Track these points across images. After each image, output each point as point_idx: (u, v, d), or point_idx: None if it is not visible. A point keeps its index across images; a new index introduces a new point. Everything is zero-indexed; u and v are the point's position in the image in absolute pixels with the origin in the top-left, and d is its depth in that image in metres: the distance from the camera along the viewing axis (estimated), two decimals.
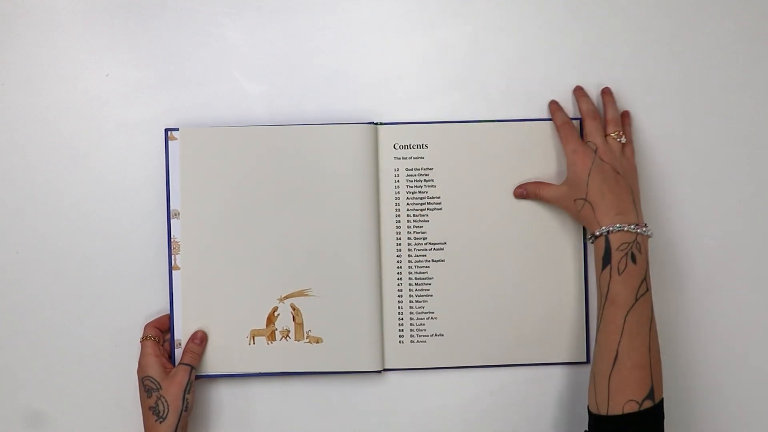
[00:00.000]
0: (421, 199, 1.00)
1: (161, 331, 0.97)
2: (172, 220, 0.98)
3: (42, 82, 1.00)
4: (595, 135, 0.95)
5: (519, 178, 1.00)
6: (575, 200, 0.94)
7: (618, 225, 0.90)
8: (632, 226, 0.90)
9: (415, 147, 1.00)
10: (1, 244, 1.00)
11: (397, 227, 1.00)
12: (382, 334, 0.99)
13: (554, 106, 1.00)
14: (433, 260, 1.00)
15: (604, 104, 0.99)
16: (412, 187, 1.00)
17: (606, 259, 0.90)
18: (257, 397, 1.00)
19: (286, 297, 0.97)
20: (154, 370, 0.94)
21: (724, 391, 1.02)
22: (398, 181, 1.00)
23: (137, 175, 1.00)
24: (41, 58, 1.00)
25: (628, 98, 1.01)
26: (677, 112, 1.02)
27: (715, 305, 1.02)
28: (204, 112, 1.00)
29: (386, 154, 1.00)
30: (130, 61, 1.00)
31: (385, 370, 0.99)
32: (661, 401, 0.89)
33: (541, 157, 1.00)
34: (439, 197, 1.00)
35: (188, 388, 0.93)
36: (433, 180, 1.00)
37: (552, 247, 1.00)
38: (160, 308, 0.99)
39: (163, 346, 0.97)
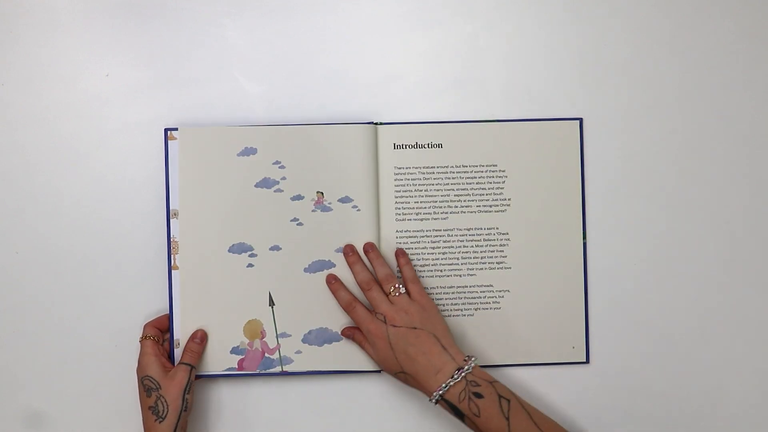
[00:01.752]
0: (420, 198, 1.00)
1: (161, 330, 0.97)
2: (171, 220, 0.98)
3: (42, 82, 1.00)
4: (379, 304, 0.94)
5: (519, 178, 1.00)
6: (396, 374, 0.93)
7: (443, 384, 0.89)
8: (455, 376, 0.89)
9: (415, 147, 1.00)
10: (1, 244, 1.00)
11: (397, 227, 1.00)
12: None
13: (335, 285, 0.97)
14: (433, 260, 1.00)
15: (372, 263, 0.97)
16: (411, 186, 1.00)
17: (459, 415, 0.89)
18: (257, 397, 1.00)
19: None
20: (154, 370, 0.93)
21: (726, 390, 1.01)
22: (398, 180, 1.00)
23: (137, 175, 1.00)
24: (41, 58, 1.00)
25: (628, 98, 1.01)
26: (677, 112, 1.02)
27: (716, 305, 1.02)
28: (204, 112, 1.00)
29: (386, 153, 1.00)
30: (130, 61, 1.01)
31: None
32: None
33: (542, 157, 1.00)
34: (438, 197, 1.00)
35: (188, 388, 0.93)
36: (432, 180, 1.00)
37: (552, 247, 1.00)
38: (159, 308, 0.99)
39: (162, 345, 0.97)
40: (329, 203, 0.98)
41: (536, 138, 1.01)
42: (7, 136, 1.00)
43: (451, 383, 0.89)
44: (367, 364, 0.98)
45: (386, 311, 0.93)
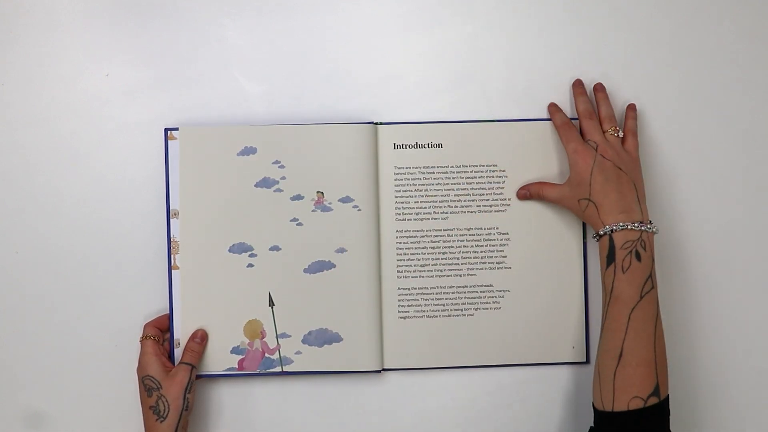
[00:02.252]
0: (420, 198, 1.00)
1: (161, 330, 0.97)
2: (171, 220, 0.98)
3: (42, 82, 1.00)
4: (594, 133, 0.95)
5: (519, 178, 1.00)
6: (579, 200, 0.94)
7: (621, 223, 0.90)
8: (636, 224, 0.90)
9: (415, 147, 1.00)
10: (1, 244, 1.00)
11: (397, 227, 1.00)
12: (381, 334, 0.98)
13: (553, 107, 1.00)
14: (433, 260, 1.00)
15: (597, 102, 0.99)
16: (411, 186, 1.00)
17: (610, 258, 0.90)
18: (257, 397, 1.00)
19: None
20: (155, 370, 0.93)
21: (727, 389, 1.01)
22: (398, 180, 1.00)
23: (137, 175, 1.00)
24: (41, 58, 1.00)
25: (627, 98, 1.01)
26: (677, 112, 1.02)
27: (718, 303, 1.02)
28: (204, 111, 1.00)
29: (386, 153, 1.00)
30: (130, 61, 1.01)
31: (384, 370, 0.99)
32: (667, 398, 0.89)
33: (542, 157, 1.00)
34: (439, 197, 1.00)
35: (189, 388, 0.93)
36: (432, 180, 1.00)
37: (552, 247, 1.00)
38: (159, 308, 0.99)
39: (162, 345, 0.97)
40: (329, 203, 0.98)
41: (536, 138, 1.01)
42: (7, 136, 1.00)
43: (629, 226, 0.90)
44: (367, 364, 0.98)
45: (600, 141, 0.94)
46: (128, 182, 1.00)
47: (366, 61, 1.02)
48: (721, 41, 1.02)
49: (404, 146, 1.00)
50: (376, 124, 1.00)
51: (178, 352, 0.97)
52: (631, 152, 0.96)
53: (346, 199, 0.98)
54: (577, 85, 1.00)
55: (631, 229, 0.90)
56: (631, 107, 1.00)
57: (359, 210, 0.98)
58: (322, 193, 0.98)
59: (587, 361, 1.00)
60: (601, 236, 0.91)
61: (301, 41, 1.01)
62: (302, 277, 0.98)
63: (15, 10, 1.00)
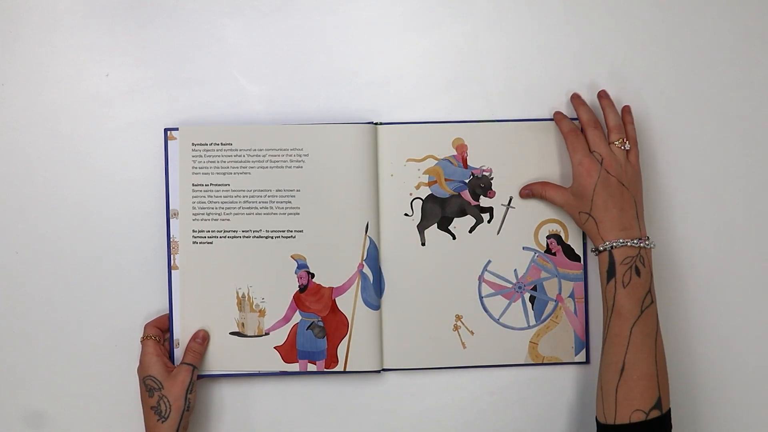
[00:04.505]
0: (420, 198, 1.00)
1: (161, 330, 0.97)
2: (171, 220, 0.98)
3: (42, 82, 1.00)
4: (600, 145, 0.94)
5: (519, 178, 1.00)
6: (579, 212, 0.94)
7: (621, 240, 0.90)
8: (635, 241, 0.91)
9: (415, 147, 1.00)
10: (1, 244, 1.00)
11: (397, 226, 1.00)
12: (381, 335, 0.99)
13: (559, 114, 0.99)
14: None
15: (603, 109, 0.98)
16: (411, 186, 1.00)
17: (610, 273, 0.90)
18: (258, 397, 1.00)
19: None
20: (156, 370, 0.94)
21: (726, 395, 1.01)
22: (398, 180, 1.00)
23: (137, 175, 1.00)
24: (41, 58, 1.00)
25: (627, 98, 1.01)
26: (677, 112, 1.02)
27: (716, 308, 1.02)
28: (204, 112, 1.00)
29: (386, 153, 1.00)
30: (130, 61, 1.01)
31: (384, 370, 0.99)
32: (669, 411, 0.90)
33: (542, 157, 1.00)
34: (439, 197, 1.00)
35: (190, 388, 0.93)
36: (432, 180, 1.00)
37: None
38: (159, 308, 0.99)
39: (163, 345, 0.97)
40: (329, 203, 0.98)
41: (536, 138, 1.00)
42: (7, 136, 1.00)
43: (629, 243, 0.90)
44: (366, 364, 0.98)
45: (606, 154, 0.94)
46: (128, 182, 1.00)
47: (366, 61, 1.02)
48: (721, 41, 1.02)
49: (404, 146, 1.00)
50: (376, 124, 1.00)
51: (177, 352, 0.97)
52: (634, 165, 0.95)
53: (345, 199, 0.98)
54: (576, 97, 0.99)
55: (631, 245, 0.90)
56: (627, 110, 0.99)
57: (359, 209, 0.98)
58: (322, 192, 0.98)
59: (587, 362, 1.00)
60: (600, 252, 0.92)
61: (301, 41, 1.01)
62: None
63: (15, 10, 1.00)
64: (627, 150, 0.95)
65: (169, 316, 0.97)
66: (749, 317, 1.02)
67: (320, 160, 0.98)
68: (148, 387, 0.93)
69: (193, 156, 0.97)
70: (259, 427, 1.00)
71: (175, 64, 1.01)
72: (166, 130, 0.98)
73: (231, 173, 0.98)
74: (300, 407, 1.00)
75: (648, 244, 0.91)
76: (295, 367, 0.98)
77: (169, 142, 0.98)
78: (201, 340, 0.96)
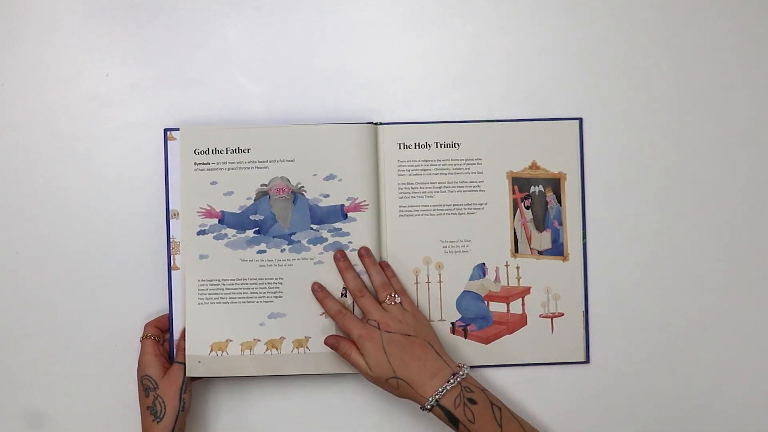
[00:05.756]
0: (422, 198, 1.00)
1: (161, 330, 0.97)
2: (171, 220, 0.98)
3: (42, 82, 1.00)
4: (371, 311, 0.93)
5: (519, 178, 1.00)
6: (387, 380, 0.92)
7: (440, 389, 0.89)
8: (450, 381, 0.90)
9: (415, 147, 1.00)
10: (1, 244, 1.00)
11: (398, 227, 1.00)
12: None
13: (321, 293, 0.96)
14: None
15: (366, 269, 0.97)
16: (411, 186, 1.00)
17: (453, 422, 0.89)
18: (256, 398, 1.00)
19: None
20: (153, 370, 0.94)
21: (723, 392, 1.02)
22: (399, 180, 1.00)
23: (137, 175, 1.00)
24: (41, 58, 1.00)
25: (628, 98, 1.01)
26: (677, 112, 1.02)
27: (716, 304, 1.02)
28: (204, 112, 1.00)
29: (386, 153, 1.00)
30: (130, 61, 1.00)
31: None
32: None
33: (541, 157, 1.00)
34: (440, 197, 1.00)
35: (184, 388, 0.93)
36: (433, 179, 1.00)
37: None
38: (159, 308, 0.99)
39: (162, 345, 0.97)
40: (329, 202, 0.98)
41: (536, 138, 1.01)
42: (7, 136, 1.00)
43: (448, 387, 0.89)
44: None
45: (380, 318, 0.93)
46: (128, 182, 1.00)
47: (366, 61, 1.02)
48: (721, 41, 1.02)
49: (404, 146, 1.00)
50: (377, 124, 1.00)
51: None
52: (412, 311, 0.94)
53: (347, 199, 0.98)
54: (340, 259, 0.97)
55: (451, 387, 0.89)
56: (385, 265, 0.98)
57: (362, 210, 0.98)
58: (322, 192, 0.98)
59: (587, 361, 1.00)
60: (430, 409, 0.90)
61: (301, 41, 1.01)
62: (302, 277, 0.98)
63: (15, 10, 1.00)
64: (399, 302, 0.94)
65: (169, 316, 0.97)
66: (748, 312, 1.02)
67: (320, 160, 0.98)
68: (145, 387, 0.93)
69: (194, 156, 0.98)
70: (257, 427, 1.00)
71: (175, 64, 1.00)
72: (166, 130, 0.98)
73: (231, 174, 0.98)
74: (298, 408, 1.00)
75: (463, 374, 0.90)
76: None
77: (169, 142, 0.98)
78: None
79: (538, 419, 1.00)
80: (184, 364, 0.95)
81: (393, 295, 0.94)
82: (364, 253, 0.97)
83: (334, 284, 0.97)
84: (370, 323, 0.93)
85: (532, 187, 1.01)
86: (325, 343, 0.95)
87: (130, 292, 1.00)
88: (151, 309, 0.99)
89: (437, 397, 0.89)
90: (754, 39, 1.02)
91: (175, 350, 0.96)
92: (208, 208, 0.97)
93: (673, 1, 1.02)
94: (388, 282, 0.96)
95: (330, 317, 0.96)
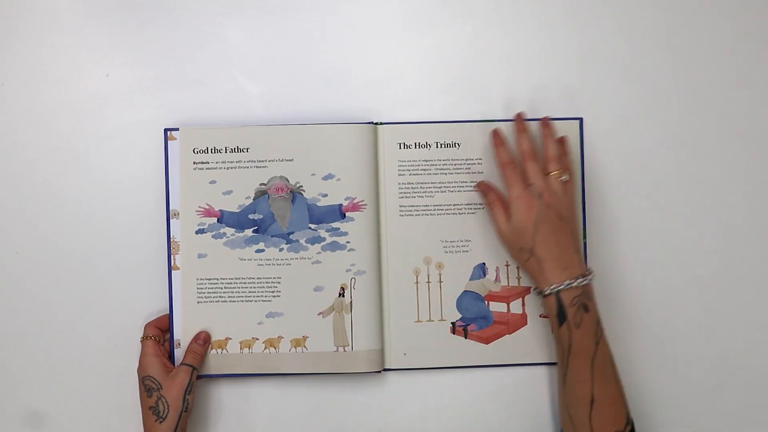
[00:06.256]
0: (422, 198, 1.00)
1: (162, 330, 0.97)
2: (171, 220, 0.98)
3: (42, 82, 1.00)
4: (537, 177, 0.93)
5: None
6: (520, 249, 0.92)
7: (566, 282, 0.90)
8: (579, 280, 0.90)
9: (415, 147, 1.00)
10: (1, 244, 1.00)
11: (399, 226, 0.99)
12: (382, 335, 0.98)
13: (497, 138, 0.97)
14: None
15: (544, 138, 0.97)
16: (412, 186, 1.00)
17: (561, 317, 0.90)
18: (257, 397, 1.00)
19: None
20: (155, 370, 0.93)
21: (724, 391, 1.01)
22: (399, 180, 1.00)
23: (137, 175, 1.00)
24: (41, 58, 1.00)
25: (628, 98, 1.01)
26: (677, 112, 1.02)
27: (716, 304, 1.02)
28: (204, 112, 1.00)
29: (386, 153, 1.00)
30: (130, 61, 1.01)
31: (385, 370, 0.99)
32: (633, 421, 0.91)
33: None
34: (441, 197, 1.00)
35: (189, 389, 0.93)
36: (434, 179, 1.00)
37: None
38: (159, 308, 0.99)
39: (163, 345, 0.97)
40: (329, 202, 0.98)
41: (536, 138, 1.00)
42: (7, 136, 1.00)
43: (574, 284, 0.90)
44: (366, 365, 0.97)
45: (543, 188, 0.92)
46: (128, 182, 1.00)
47: (366, 61, 1.02)
48: (721, 41, 1.02)
49: (404, 146, 1.00)
50: (376, 124, 1.00)
51: (178, 353, 0.97)
52: (571, 197, 0.94)
53: (347, 199, 0.98)
54: (519, 121, 0.97)
55: (576, 286, 0.90)
56: (564, 141, 0.97)
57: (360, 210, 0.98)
58: (322, 192, 0.98)
59: None
60: (546, 295, 0.91)
61: (301, 41, 1.01)
62: (302, 277, 0.98)
63: (15, 10, 1.00)
64: (565, 182, 0.94)
65: (169, 317, 0.97)
66: (748, 312, 1.02)
67: (319, 160, 0.98)
68: (147, 387, 0.93)
69: (192, 155, 0.98)
70: (259, 427, 1.00)
71: (175, 64, 1.01)
72: (166, 130, 0.98)
73: (230, 173, 0.98)
74: (300, 407, 1.00)
75: (590, 279, 0.91)
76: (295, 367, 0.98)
77: (169, 142, 0.98)
78: (202, 341, 0.96)
79: (538, 419, 1.00)
80: (191, 366, 0.95)
81: (562, 170, 0.94)
82: (546, 122, 0.97)
83: (333, 284, 0.97)
84: (533, 188, 0.92)
85: None
86: (477, 188, 0.97)
87: (130, 292, 1.00)
88: (151, 309, 0.99)
89: (561, 287, 0.89)
90: (754, 39, 1.02)
91: (183, 352, 0.96)
92: (207, 207, 0.97)
93: (673, 1, 1.02)
94: (561, 157, 0.95)
95: (498, 165, 0.96)
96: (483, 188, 0.97)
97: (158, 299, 0.99)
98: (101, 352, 0.99)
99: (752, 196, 1.02)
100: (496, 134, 0.97)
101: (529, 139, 0.96)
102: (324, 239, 0.98)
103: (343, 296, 0.97)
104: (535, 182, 0.93)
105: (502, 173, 0.95)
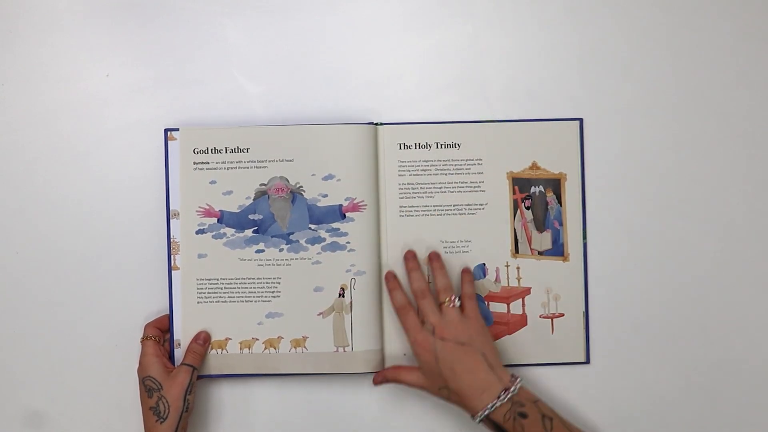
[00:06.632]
0: (422, 198, 1.00)
1: (162, 330, 0.97)
2: (171, 221, 0.98)
3: (42, 82, 1.00)
4: (429, 314, 0.93)
5: (519, 178, 1.00)
6: (439, 388, 0.92)
7: (490, 405, 0.89)
8: (501, 396, 0.89)
9: (415, 147, 1.00)
10: (1, 244, 1.00)
11: (399, 227, 0.99)
12: (382, 335, 0.98)
13: (392, 284, 0.97)
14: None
15: (432, 272, 0.97)
16: (412, 187, 1.00)
17: None
18: (257, 398, 1.00)
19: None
20: (156, 370, 0.93)
21: (724, 392, 1.01)
22: (399, 180, 1.00)
23: (137, 175, 1.00)
24: (41, 58, 1.00)
25: (628, 98, 1.01)
26: (677, 112, 1.02)
27: (716, 304, 1.02)
28: (204, 112, 1.00)
29: (386, 153, 1.00)
30: (130, 61, 1.01)
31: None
32: None
33: (542, 157, 1.00)
34: (441, 197, 1.00)
35: (189, 389, 0.93)
36: (434, 179, 1.00)
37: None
38: (159, 308, 0.99)
39: (163, 346, 0.97)
40: (329, 203, 0.98)
41: (536, 138, 1.01)
42: (7, 136, 1.00)
43: (497, 404, 0.89)
44: (366, 365, 0.97)
45: (436, 322, 0.93)
46: (128, 182, 1.00)
47: (366, 61, 1.02)
48: (721, 41, 1.02)
49: (404, 146, 1.00)
50: (376, 124, 1.00)
51: (178, 353, 0.97)
52: (471, 316, 0.94)
53: (347, 200, 0.98)
54: (410, 259, 0.97)
55: (501, 404, 0.89)
56: (466, 271, 0.98)
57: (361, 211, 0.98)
58: (322, 192, 0.98)
59: (587, 361, 1.00)
60: (480, 421, 0.90)
61: (301, 41, 1.01)
62: (302, 278, 0.98)
63: (15, 10, 1.00)
64: (458, 306, 0.94)
65: (169, 317, 0.97)
66: (749, 311, 1.02)
67: (319, 160, 0.98)
68: (148, 387, 0.93)
69: (193, 155, 0.98)
70: (259, 427, 1.00)
71: (175, 64, 1.01)
72: (166, 130, 0.98)
73: (230, 173, 0.98)
74: (300, 408, 1.00)
75: (515, 389, 0.90)
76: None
77: (170, 143, 0.98)
78: (202, 341, 0.96)
79: None
80: (192, 366, 0.95)
81: (453, 298, 0.94)
82: (433, 257, 0.98)
83: (333, 285, 0.97)
84: (427, 327, 0.93)
85: (533, 187, 1.00)
86: (374, 382, 0.96)
87: (130, 292, 1.00)
88: (151, 309, 0.99)
89: (486, 412, 0.89)
90: (754, 39, 1.02)
91: (183, 352, 0.96)
92: (207, 207, 0.97)
93: (673, 1, 1.02)
94: (451, 287, 0.96)
95: (394, 310, 0.96)
96: (378, 380, 0.97)
97: (158, 299, 0.99)
98: (101, 352, 0.99)
99: (752, 196, 1.02)
100: (389, 278, 0.97)
101: (419, 278, 0.96)
102: (324, 240, 0.98)
103: (343, 296, 0.98)
104: (428, 319, 0.93)
105: (399, 319, 0.96)
